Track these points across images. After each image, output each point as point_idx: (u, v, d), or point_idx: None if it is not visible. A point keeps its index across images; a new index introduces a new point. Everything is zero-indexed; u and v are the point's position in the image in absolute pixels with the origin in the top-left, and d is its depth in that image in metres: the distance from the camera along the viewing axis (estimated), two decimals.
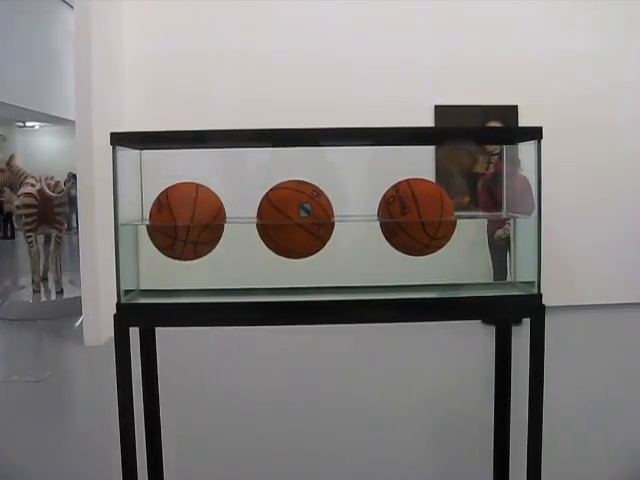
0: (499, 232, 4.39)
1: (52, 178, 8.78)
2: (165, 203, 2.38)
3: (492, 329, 2.86)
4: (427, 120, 7.36)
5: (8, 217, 18.73)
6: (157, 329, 2.74)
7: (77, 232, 6.93)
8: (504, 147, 2.77)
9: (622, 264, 7.72)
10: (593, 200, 7.60)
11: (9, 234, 19.07)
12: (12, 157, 8.89)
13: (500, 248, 2.96)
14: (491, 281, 2.94)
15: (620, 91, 7.60)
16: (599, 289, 7.62)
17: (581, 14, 7.51)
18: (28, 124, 19.89)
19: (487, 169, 7.31)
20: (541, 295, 2.39)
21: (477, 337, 5.54)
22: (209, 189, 2.46)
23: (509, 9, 7.48)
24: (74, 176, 16.99)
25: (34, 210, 8.32)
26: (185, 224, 2.35)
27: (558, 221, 7.20)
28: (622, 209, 7.70)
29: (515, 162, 2.66)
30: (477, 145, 6.78)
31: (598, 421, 4.25)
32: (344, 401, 4.69)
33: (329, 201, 2.43)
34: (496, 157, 6.70)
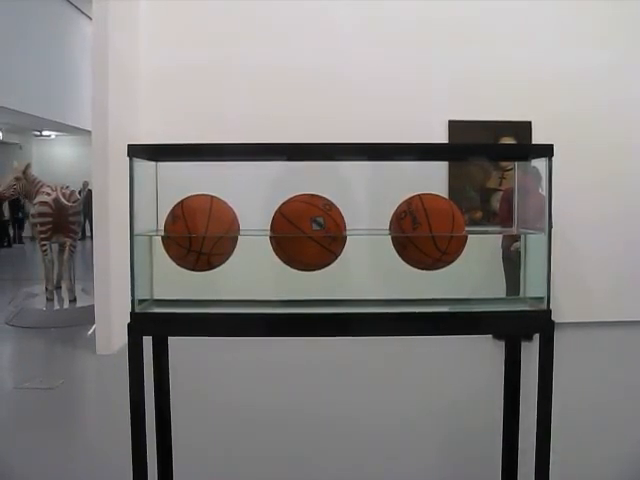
0: (516, 244, 4.40)
1: (67, 187, 8.85)
2: (180, 214, 2.41)
3: (502, 344, 2.88)
4: (441, 135, 7.39)
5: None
6: (169, 338, 2.76)
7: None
8: (516, 163, 2.79)
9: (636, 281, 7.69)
10: (606, 216, 7.57)
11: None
12: (28, 166, 8.97)
13: (515, 261, 2.97)
14: (503, 296, 2.96)
15: (633, 106, 7.60)
16: (612, 306, 7.58)
17: (594, 30, 7.52)
18: (44, 133, 20.06)
19: (500, 184, 7.34)
20: (550, 311, 2.40)
21: (488, 352, 5.53)
22: (223, 201, 2.49)
23: (523, 26, 7.50)
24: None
25: (49, 219, 8.38)
26: (199, 235, 2.38)
27: (572, 237, 7.21)
28: (637, 225, 7.66)
29: (537, 180, 2.68)
30: (490, 161, 6.81)
31: (605, 433, 4.24)
32: (352, 413, 4.69)
33: (341, 214, 2.45)
34: (511, 172, 6.73)
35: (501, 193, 7.02)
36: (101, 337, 6.36)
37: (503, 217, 6.61)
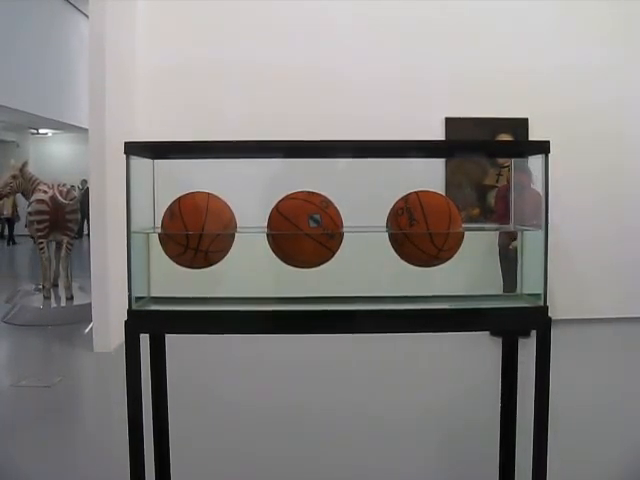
0: (515, 243, 4.40)
1: (64, 185, 8.83)
2: (177, 212, 2.41)
3: (500, 341, 2.88)
4: (438, 132, 7.39)
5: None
6: (167, 336, 2.76)
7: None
8: (513, 160, 2.79)
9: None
10: (603, 214, 7.58)
11: None
12: (25, 164, 8.94)
13: (514, 259, 2.98)
14: (499, 292, 2.95)
15: (630, 104, 7.62)
16: (610, 302, 7.60)
17: (591, 28, 7.53)
18: (41, 131, 20.03)
19: (497, 181, 7.34)
20: (547, 307, 2.40)
21: (485, 348, 5.54)
22: (220, 199, 2.49)
23: (520, 23, 7.51)
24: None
25: (46, 217, 8.36)
26: (196, 233, 2.38)
27: (569, 234, 7.21)
28: (634, 223, 7.68)
29: (529, 176, 2.68)
30: (487, 158, 6.82)
31: (603, 428, 4.26)
32: (349, 410, 4.70)
33: (338, 212, 2.45)
34: (507, 169, 6.73)
35: (496, 190, 7.02)
36: (98, 335, 6.36)
37: (500, 214, 6.61)
